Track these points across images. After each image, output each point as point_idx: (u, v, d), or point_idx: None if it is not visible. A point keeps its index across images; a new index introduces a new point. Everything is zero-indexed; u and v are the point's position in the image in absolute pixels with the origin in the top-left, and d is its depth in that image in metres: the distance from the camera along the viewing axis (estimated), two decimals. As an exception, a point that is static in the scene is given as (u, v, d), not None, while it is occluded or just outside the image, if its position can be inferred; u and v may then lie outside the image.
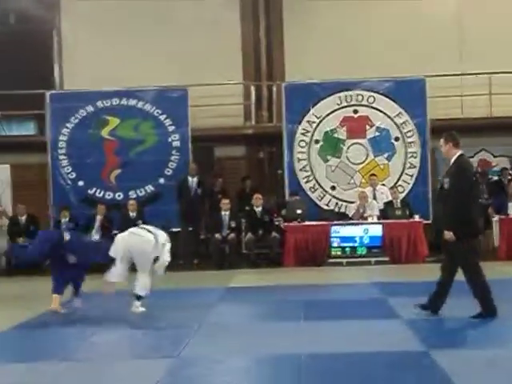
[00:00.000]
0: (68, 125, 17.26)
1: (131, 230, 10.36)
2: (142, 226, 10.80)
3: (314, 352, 7.31)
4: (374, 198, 16.38)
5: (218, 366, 7.05)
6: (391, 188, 16.49)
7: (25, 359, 7.57)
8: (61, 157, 17.24)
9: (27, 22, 19.61)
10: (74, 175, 17.17)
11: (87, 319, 9.80)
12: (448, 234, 8.58)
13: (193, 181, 16.45)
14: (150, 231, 10.17)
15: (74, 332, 9.05)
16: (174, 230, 16.42)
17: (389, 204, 16.14)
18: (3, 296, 12.74)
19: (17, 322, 9.61)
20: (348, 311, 9.66)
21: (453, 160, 8.73)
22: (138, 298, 9.95)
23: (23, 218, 16.52)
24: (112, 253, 9.97)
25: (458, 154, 8.72)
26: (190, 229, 16.28)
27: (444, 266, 8.85)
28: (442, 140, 8.84)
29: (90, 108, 17.31)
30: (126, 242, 10.06)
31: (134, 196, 16.83)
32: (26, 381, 6.85)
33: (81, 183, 17.13)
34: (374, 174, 16.77)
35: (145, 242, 10.01)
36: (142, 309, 9.94)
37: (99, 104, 17.32)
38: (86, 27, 18.29)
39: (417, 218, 15.62)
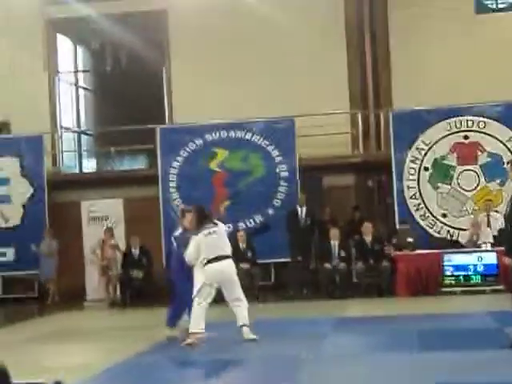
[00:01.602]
0: (178, 158, 17.59)
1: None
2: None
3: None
4: (489, 224, 15.95)
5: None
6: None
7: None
8: (171, 190, 17.55)
9: (138, 62, 20.21)
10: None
11: (202, 348, 9.88)
12: (507, 260, 8.50)
13: (302, 211, 16.46)
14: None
15: (192, 361, 9.13)
16: (283, 260, 16.55)
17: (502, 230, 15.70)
18: (119, 327, 13.01)
19: (134, 352, 9.76)
20: (464, 341, 9.41)
21: None
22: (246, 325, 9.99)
23: (136, 251, 16.85)
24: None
25: None
26: (300, 259, 16.24)
27: None
28: (508, 165, 9.04)
29: (199, 141, 17.59)
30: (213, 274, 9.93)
31: (244, 227, 16.91)
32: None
33: (191, 215, 17.33)
34: (489, 199, 16.37)
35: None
36: (254, 335, 9.93)
37: (208, 137, 17.59)
38: (193, 64, 18.66)
39: (533, 244, 15.11)
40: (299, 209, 16.46)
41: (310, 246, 16.52)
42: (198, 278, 9.93)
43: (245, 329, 10.01)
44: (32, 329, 13.48)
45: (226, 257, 10.08)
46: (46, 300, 17.36)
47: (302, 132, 17.20)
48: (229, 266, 10.09)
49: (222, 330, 10.53)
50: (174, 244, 10.70)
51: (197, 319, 9.86)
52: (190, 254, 10.02)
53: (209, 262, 9.90)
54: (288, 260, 16.08)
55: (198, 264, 9.97)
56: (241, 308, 10.07)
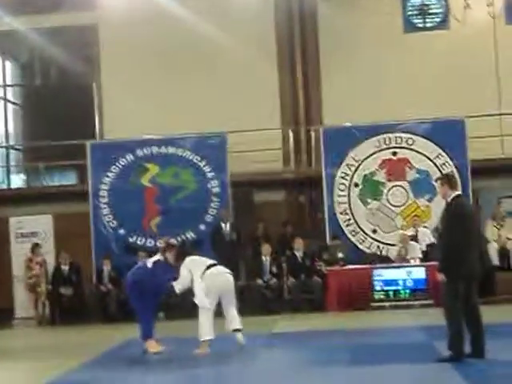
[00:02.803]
0: (109, 174, 17.42)
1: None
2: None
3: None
4: (416, 240, 16.22)
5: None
6: (433, 230, 16.32)
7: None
8: (102, 205, 17.38)
9: (68, 76, 20.00)
10: (115, 223, 17.27)
11: (134, 363, 9.81)
12: (439, 276, 8.64)
13: (226, 226, 16.44)
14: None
15: (117, 378, 9.05)
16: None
17: (432, 246, 15.98)
18: (48, 345, 12.80)
19: (63, 370, 9.62)
20: (395, 355, 9.52)
21: (449, 199, 8.79)
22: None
23: (66, 267, 16.62)
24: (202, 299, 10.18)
25: (453, 195, 8.77)
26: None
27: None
28: (438, 182, 9.13)
29: (130, 157, 17.47)
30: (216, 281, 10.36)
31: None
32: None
33: (122, 231, 17.22)
34: (416, 215, 16.66)
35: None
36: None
37: (139, 152, 17.47)
38: (124, 79, 18.56)
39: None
40: (223, 224, 16.44)
41: (236, 261, 16.47)
42: (201, 287, 10.25)
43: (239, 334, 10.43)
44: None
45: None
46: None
47: (234, 148, 17.25)
48: (228, 272, 10.67)
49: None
50: (148, 266, 10.73)
51: (208, 327, 10.17)
52: (183, 277, 10.33)
53: (207, 268, 10.39)
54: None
55: (196, 277, 10.29)
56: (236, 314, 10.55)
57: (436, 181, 9.44)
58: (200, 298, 10.23)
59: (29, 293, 16.62)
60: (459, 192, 8.98)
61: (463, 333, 8.56)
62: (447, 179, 9.02)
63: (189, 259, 10.58)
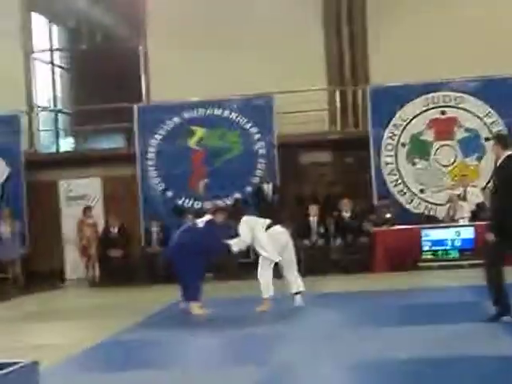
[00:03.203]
0: (156, 136, 17.52)
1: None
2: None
3: (409, 357, 7.20)
4: (465, 199, 16.05)
5: (312, 373, 7.01)
6: (483, 189, 16.13)
7: (129, 367, 7.70)
8: (150, 168, 17.51)
9: (114, 40, 20.06)
10: (162, 186, 17.41)
11: (185, 325, 9.93)
12: (489, 236, 8.56)
13: (268, 187, 16.44)
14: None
15: (170, 339, 9.17)
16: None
17: (480, 206, 15.80)
18: (100, 306, 13.02)
19: (116, 330, 9.78)
20: (442, 315, 9.48)
21: (500, 161, 8.70)
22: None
23: (115, 230, 16.81)
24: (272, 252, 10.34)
25: (505, 154, 8.65)
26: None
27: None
28: (492, 142, 9.06)
29: (177, 119, 17.53)
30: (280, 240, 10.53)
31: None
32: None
33: (169, 194, 17.34)
34: (465, 175, 16.46)
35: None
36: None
37: (185, 115, 17.53)
38: (170, 41, 18.53)
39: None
40: (265, 185, 16.43)
41: (280, 222, 16.42)
42: (267, 241, 10.37)
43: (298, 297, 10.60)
44: (14, 308, 13.45)
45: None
46: (6, 282, 16.79)
47: (280, 109, 17.18)
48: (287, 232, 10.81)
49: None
50: (199, 226, 10.78)
51: (270, 283, 10.38)
52: (244, 235, 10.41)
53: (268, 227, 10.52)
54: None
55: (261, 234, 10.39)
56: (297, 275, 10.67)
57: (487, 140, 9.26)
58: (270, 252, 10.29)
59: (80, 255, 16.87)
60: (511, 152, 8.74)
61: (505, 288, 8.53)
62: (499, 139, 8.97)
63: (246, 218, 10.62)
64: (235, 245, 10.51)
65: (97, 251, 16.73)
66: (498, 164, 8.81)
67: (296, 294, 10.62)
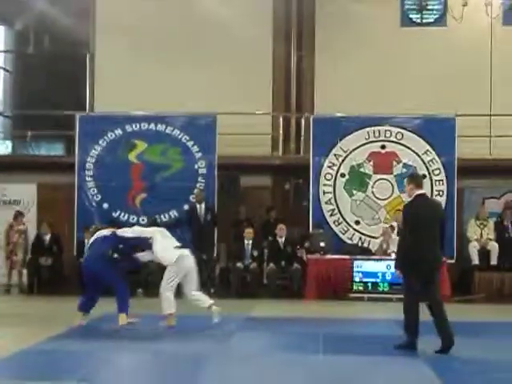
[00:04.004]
0: (96, 147, 17.36)
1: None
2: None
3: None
4: (398, 234, 16.25)
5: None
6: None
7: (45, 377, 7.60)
8: (87, 178, 17.32)
9: (61, 45, 19.86)
10: (99, 197, 17.23)
11: (110, 336, 9.84)
12: (396, 272, 9.42)
13: (201, 207, 16.42)
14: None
15: (96, 351, 9.07)
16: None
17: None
18: (27, 315, 12.79)
19: (38, 339, 9.61)
20: (367, 347, 9.57)
21: (410, 199, 9.33)
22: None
23: (47, 238, 16.58)
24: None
25: (415, 194, 9.25)
26: (204, 257, 16.13)
27: None
28: (405, 180, 9.66)
29: (119, 131, 17.41)
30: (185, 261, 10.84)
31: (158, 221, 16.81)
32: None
33: (106, 205, 17.17)
34: (399, 210, 16.67)
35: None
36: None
37: (128, 128, 17.41)
38: (118, 52, 18.45)
39: (440, 256, 15.46)
40: (198, 205, 16.43)
41: (211, 243, 16.50)
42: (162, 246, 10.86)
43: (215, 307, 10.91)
44: None
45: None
46: None
47: (224, 130, 17.21)
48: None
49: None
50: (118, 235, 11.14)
51: (172, 300, 10.73)
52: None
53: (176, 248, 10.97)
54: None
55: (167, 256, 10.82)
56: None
57: (405, 178, 9.84)
58: (165, 255, 10.72)
59: (5, 260, 16.58)
60: (422, 191, 9.38)
61: (417, 324, 9.11)
62: (413, 178, 9.59)
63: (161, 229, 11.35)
64: (141, 257, 11.01)
65: (24, 258, 16.44)
66: (409, 202, 9.37)
67: (211, 305, 10.90)
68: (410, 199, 9.34)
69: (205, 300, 10.97)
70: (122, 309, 10.68)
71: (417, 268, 9.03)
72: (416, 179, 9.57)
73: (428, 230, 9.05)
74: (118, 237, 11.06)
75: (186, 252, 11.00)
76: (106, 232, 11.25)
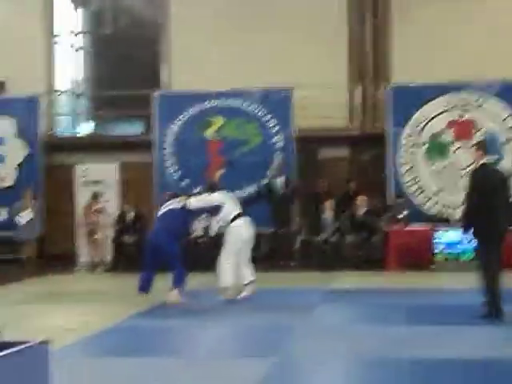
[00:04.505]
0: (174, 125, 17.54)
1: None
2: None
3: (415, 357, 7.20)
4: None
5: (317, 368, 7.02)
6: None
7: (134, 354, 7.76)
8: (166, 156, 17.54)
9: (138, 25, 20.07)
10: (178, 174, 17.43)
11: (192, 314, 9.97)
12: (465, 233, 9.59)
13: (280, 181, 16.43)
14: None
15: (181, 327, 9.20)
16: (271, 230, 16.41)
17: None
18: (111, 291, 13.07)
19: (123, 317, 9.82)
20: (451, 317, 9.47)
21: (477, 167, 9.54)
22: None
23: (130, 216, 16.86)
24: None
25: (482, 161, 9.47)
26: (282, 230, 16.23)
27: None
28: (473, 147, 9.79)
29: (196, 108, 17.53)
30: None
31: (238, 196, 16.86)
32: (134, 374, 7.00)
33: (185, 182, 17.35)
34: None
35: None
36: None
37: (205, 104, 17.53)
38: (193, 29, 18.53)
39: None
40: (277, 179, 16.43)
41: (290, 217, 16.54)
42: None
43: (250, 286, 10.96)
44: (25, 290, 13.53)
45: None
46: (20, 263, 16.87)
47: (300, 102, 17.15)
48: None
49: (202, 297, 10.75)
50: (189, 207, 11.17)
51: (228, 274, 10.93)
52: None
53: (232, 220, 10.99)
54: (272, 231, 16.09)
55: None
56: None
57: (473, 146, 9.78)
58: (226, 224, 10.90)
59: (87, 239, 16.92)
60: (485, 160, 9.56)
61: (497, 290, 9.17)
62: (481, 145, 9.70)
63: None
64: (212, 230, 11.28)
65: (105, 236, 16.71)
66: (474, 169, 9.60)
67: (246, 284, 10.91)
68: (477, 165, 9.52)
69: (246, 276, 10.95)
70: (178, 284, 10.72)
71: (488, 233, 9.21)
72: (485, 146, 9.77)
73: (497, 196, 9.26)
74: (188, 210, 11.08)
75: (246, 222, 11.04)
76: (176, 204, 11.22)
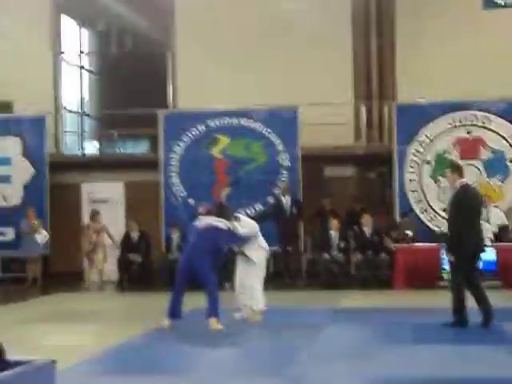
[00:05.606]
0: (180, 143, 17.57)
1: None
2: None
3: (425, 376, 7.15)
4: (488, 221, 15.90)
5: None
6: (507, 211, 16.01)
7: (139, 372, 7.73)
8: (173, 175, 17.54)
9: (143, 45, 20.17)
10: (184, 193, 17.43)
11: (199, 335, 9.91)
12: (449, 257, 9.92)
13: (286, 200, 16.45)
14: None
15: (187, 347, 9.16)
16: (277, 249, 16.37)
17: (504, 228, 15.68)
18: (117, 309, 13.03)
19: (129, 336, 9.78)
20: (459, 336, 9.42)
21: (457, 189, 9.72)
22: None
23: (136, 235, 16.83)
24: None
25: (462, 183, 9.74)
26: (289, 249, 16.24)
27: None
28: (447, 170, 10.09)
29: (202, 127, 17.56)
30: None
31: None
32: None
33: (191, 201, 17.35)
34: (488, 195, 16.33)
35: None
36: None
37: (210, 123, 17.56)
38: (199, 48, 18.63)
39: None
40: (283, 198, 16.45)
41: (297, 235, 16.56)
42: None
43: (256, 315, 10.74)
44: (30, 309, 13.50)
45: None
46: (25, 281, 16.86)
47: (305, 121, 17.17)
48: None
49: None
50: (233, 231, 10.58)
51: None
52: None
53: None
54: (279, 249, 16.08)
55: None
56: None
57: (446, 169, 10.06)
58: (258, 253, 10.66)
59: (86, 259, 16.82)
60: (465, 180, 9.94)
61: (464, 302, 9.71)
62: (455, 168, 10.01)
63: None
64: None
65: (104, 256, 16.58)
66: (454, 192, 9.77)
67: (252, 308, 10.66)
68: (457, 188, 9.70)
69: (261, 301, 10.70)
70: (215, 313, 10.07)
71: (471, 252, 9.71)
72: (459, 169, 10.05)
73: (479, 217, 9.84)
74: (233, 233, 10.47)
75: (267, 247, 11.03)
76: (219, 224, 10.42)
